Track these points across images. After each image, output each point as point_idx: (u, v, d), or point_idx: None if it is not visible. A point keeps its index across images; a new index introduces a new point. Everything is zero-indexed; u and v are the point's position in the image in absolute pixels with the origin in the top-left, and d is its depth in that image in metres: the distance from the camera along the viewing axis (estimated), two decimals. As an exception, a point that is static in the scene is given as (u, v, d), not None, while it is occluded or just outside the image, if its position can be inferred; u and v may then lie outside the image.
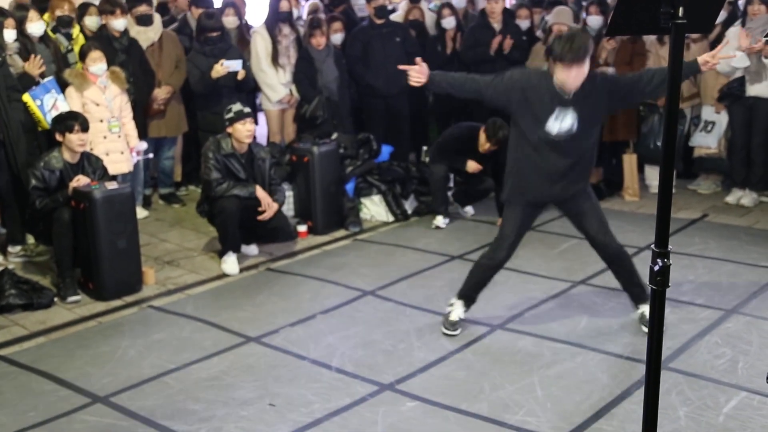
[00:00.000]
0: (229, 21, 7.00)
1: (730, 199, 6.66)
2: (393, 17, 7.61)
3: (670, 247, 2.32)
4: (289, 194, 6.18)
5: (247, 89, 6.84)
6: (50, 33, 6.12)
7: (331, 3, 8.54)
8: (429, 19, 7.79)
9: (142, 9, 6.54)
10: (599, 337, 4.24)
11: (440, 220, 6.32)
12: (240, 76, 6.46)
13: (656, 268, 2.33)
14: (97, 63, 5.66)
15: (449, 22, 7.34)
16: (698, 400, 3.57)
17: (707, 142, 6.74)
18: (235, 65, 6.36)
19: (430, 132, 7.87)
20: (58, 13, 6.27)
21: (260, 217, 5.37)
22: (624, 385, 3.71)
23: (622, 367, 3.89)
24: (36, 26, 5.70)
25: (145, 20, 6.53)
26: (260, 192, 5.36)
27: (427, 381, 3.83)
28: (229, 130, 5.38)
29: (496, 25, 7.14)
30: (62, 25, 6.25)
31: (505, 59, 7.04)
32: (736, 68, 6.30)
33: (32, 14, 5.70)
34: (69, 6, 6.36)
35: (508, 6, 7.87)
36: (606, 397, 3.63)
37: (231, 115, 5.35)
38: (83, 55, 5.69)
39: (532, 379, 3.80)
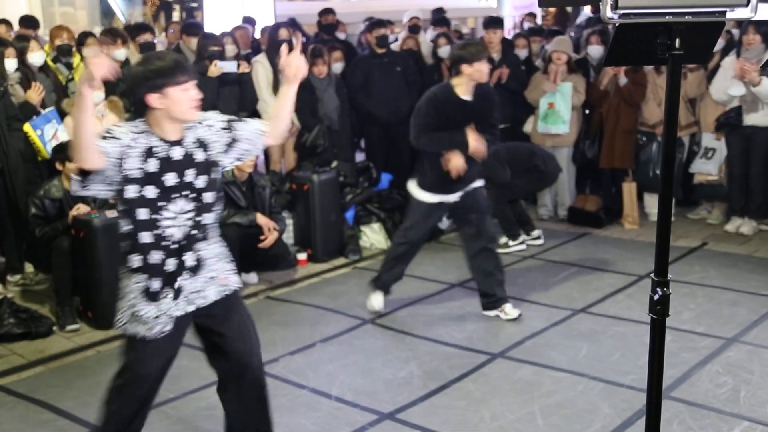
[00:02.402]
0: (228, 50, 7.05)
1: (730, 227, 6.66)
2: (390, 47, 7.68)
3: (669, 275, 2.33)
4: (289, 222, 6.19)
5: (249, 108, 6.87)
6: (50, 63, 6.17)
7: (322, 30, 8.62)
8: (425, 48, 7.85)
9: (146, 37, 6.61)
10: (600, 366, 4.22)
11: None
12: (242, 70, 6.53)
13: (656, 297, 2.33)
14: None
15: (445, 51, 7.39)
16: (700, 429, 3.55)
17: (708, 168, 6.75)
18: (229, 66, 6.47)
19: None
20: (58, 42, 6.33)
21: (261, 245, 5.37)
22: (625, 415, 3.69)
23: (624, 397, 3.87)
24: (36, 56, 5.76)
25: (148, 48, 6.58)
26: (261, 219, 5.37)
27: (427, 410, 3.81)
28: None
29: (495, 55, 7.19)
30: (62, 54, 6.30)
31: (504, 88, 7.08)
32: (732, 96, 6.34)
33: (33, 44, 5.77)
34: (68, 35, 6.43)
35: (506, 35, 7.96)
36: (607, 426, 3.60)
37: None
38: (82, 84, 5.72)
39: (533, 408, 3.78)
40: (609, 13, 2.14)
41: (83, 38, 6.55)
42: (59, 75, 6.20)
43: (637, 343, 4.45)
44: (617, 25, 2.20)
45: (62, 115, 5.70)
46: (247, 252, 5.41)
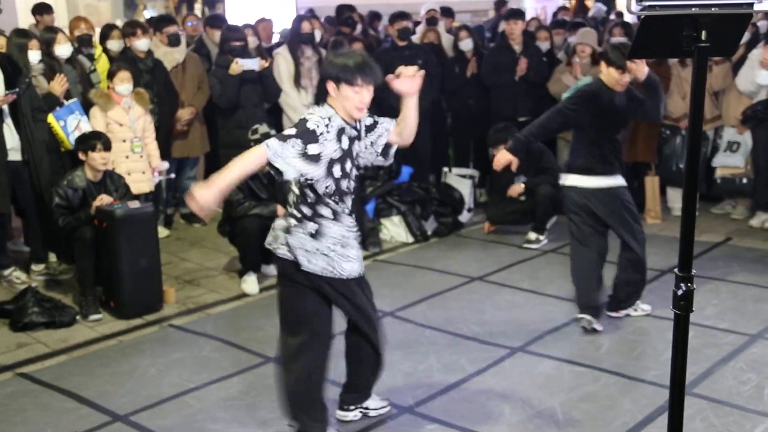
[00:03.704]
0: (250, 42, 7.06)
1: (755, 222, 6.59)
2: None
3: (693, 271, 2.30)
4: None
5: (272, 101, 6.86)
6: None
7: (341, 23, 8.62)
8: (446, 41, 7.82)
9: (173, 29, 6.64)
10: (621, 361, 4.19)
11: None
12: (261, 68, 6.52)
13: (680, 292, 2.31)
14: (124, 83, 5.73)
15: (467, 44, 7.36)
16: (723, 426, 3.51)
17: (735, 161, 6.67)
18: (250, 64, 6.48)
19: (449, 153, 7.88)
20: (77, 33, 6.37)
21: None
22: (647, 411, 3.66)
23: (645, 392, 3.85)
24: (63, 48, 5.80)
25: (175, 40, 6.61)
26: (281, 211, 5.38)
27: (447, 403, 3.81)
28: (254, 149, 5.40)
29: (517, 47, 7.16)
30: (82, 44, 6.34)
31: (524, 81, 7.05)
32: (760, 86, 6.25)
33: (60, 37, 5.80)
34: (86, 25, 6.47)
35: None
36: (628, 422, 3.58)
37: (257, 136, 5.38)
38: (111, 75, 5.77)
39: (553, 403, 3.77)
40: (634, 5, 2.11)
41: (108, 31, 6.58)
42: (83, 67, 6.24)
43: (659, 339, 4.42)
44: (643, 17, 2.18)
45: (87, 106, 5.75)
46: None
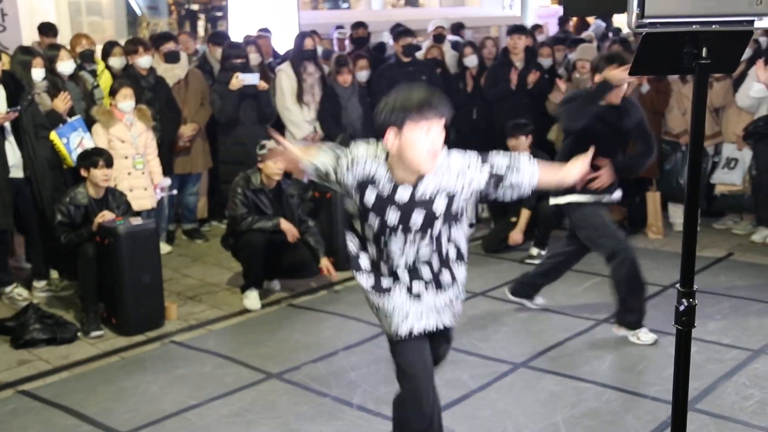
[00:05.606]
0: (252, 58, 7.11)
1: (756, 237, 6.59)
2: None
3: (695, 286, 2.31)
4: (312, 230, 6.19)
5: (269, 120, 6.90)
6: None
7: (353, 42, 8.68)
8: (450, 58, 7.86)
9: (169, 46, 6.68)
10: (624, 377, 4.19)
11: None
12: (261, 87, 6.61)
13: (682, 307, 2.31)
14: (126, 100, 5.76)
15: (471, 61, 7.40)
16: (726, 442, 3.51)
17: (731, 179, 6.69)
18: (250, 78, 6.53)
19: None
20: (79, 49, 6.41)
21: (289, 239, 5.39)
22: (650, 427, 3.65)
23: (648, 408, 3.84)
24: (66, 65, 5.83)
25: (172, 57, 6.65)
26: (284, 224, 5.39)
27: (449, 419, 3.79)
28: (260, 165, 5.43)
29: (518, 63, 7.18)
30: (85, 60, 6.38)
31: (528, 95, 7.07)
32: (755, 99, 6.28)
33: (63, 53, 5.84)
34: (87, 41, 6.52)
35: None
36: (631, 438, 3.57)
37: (264, 151, 5.40)
38: (114, 92, 5.80)
39: (556, 419, 3.76)
40: (635, 23, 2.12)
41: (109, 48, 6.62)
42: (86, 82, 6.27)
43: (662, 354, 4.41)
44: (643, 34, 2.19)
45: (90, 122, 5.77)
46: (272, 259, 5.43)
